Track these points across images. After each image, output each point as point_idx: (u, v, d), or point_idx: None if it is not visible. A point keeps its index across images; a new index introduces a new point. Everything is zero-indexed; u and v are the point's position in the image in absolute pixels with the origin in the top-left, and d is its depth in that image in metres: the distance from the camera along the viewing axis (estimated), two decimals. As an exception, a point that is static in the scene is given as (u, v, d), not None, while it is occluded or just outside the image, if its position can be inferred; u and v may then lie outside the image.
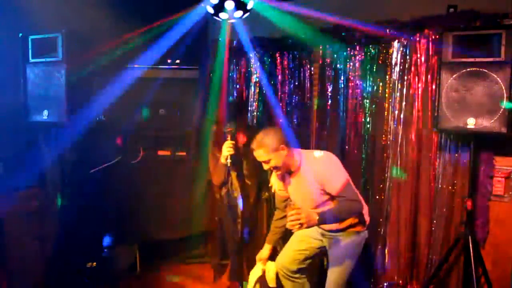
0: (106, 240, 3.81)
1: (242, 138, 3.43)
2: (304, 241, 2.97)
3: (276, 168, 2.70)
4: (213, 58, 4.38)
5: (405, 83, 3.54)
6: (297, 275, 2.99)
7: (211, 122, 3.62)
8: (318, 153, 2.78)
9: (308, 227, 2.49)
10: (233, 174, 3.41)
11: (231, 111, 3.57)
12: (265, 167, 2.71)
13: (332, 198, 2.70)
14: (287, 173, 2.78)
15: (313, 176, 2.64)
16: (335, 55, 3.87)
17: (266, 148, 2.63)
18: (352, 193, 2.68)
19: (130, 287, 3.85)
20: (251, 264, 3.34)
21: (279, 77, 4.24)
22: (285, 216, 2.82)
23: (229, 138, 3.18)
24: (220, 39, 4.23)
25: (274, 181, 3.03)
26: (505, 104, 2.76)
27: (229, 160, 3.15)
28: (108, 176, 3.75)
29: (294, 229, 2.47)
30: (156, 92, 4.04)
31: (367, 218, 2.88)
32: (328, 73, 3.93)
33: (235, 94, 4.45)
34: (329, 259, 2.87)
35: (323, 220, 2.51)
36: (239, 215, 3.39)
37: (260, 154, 2.67)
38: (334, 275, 2.81)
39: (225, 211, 3.57)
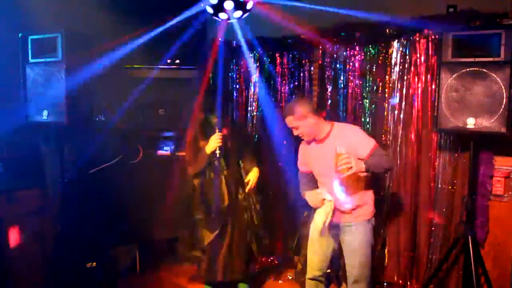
0: (106, 240, 3.80)
1: (224, 131, 3.44)
2: (324, 244, 2.99)
3: (303, 135, 2.87)
4: (213, 58, 4.38)
5: (404, 83, 3.55)
6: (325, 277, 3.05)
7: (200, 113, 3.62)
8: (349, 125, 3.07)
9: (357, 171, 2.61)
10: (212, 167, 3.42)
11: (216, 104, 3.52)
12: (295, 132, 2.87)
13: None
14: (314, 140, 2.91)
15: (344, 142, 2.74)
16: (335, 55, 3.88)
17: (294, 115, 2.80)
18: (384, 151, 2.90)
19: (130, 287, 3.85)
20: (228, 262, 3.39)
21: (279, 77, 4.24)
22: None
23: (217, 130, 3.29)
24: (219, 39, 4.23)
25: (302, 160, 3.06)
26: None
27: (218, 151, 3.30)
28: (107, 176, 3.75)
29: (344, 172, 2.60)
30: (156, 92, 4.04)
31: (373, 207, 2.95)
32: (328, 73, 3.94)
33: (234, 94, 4.45)
34: (346, 248, 2.92)
35: (368, 166, 2.66)
36: (213, 208, 3.42)
37: (289, 121, 2.84)
38: (355, 259, 2.86)
39: (197, 202, 3.50)
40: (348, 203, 2.83)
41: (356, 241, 2.85)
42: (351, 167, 2.57)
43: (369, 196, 2.91)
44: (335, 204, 2.81)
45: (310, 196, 2.91)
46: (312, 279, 3.03)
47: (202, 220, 3.47)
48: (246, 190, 3.48)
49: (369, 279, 2.89)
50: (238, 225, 3.48)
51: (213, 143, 3.30)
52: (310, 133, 2.86)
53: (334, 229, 2.92)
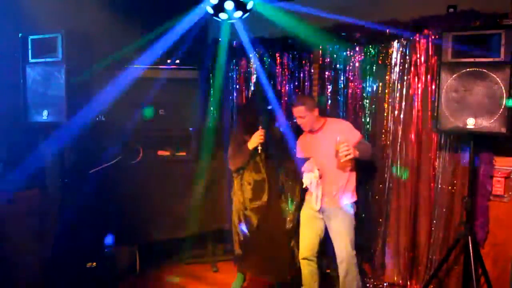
0: (106, 240, 3.80)
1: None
2: (313, 227, 3.35)
3: (306, 124, 3.30)
4: (213, 58, 4.38)
5: (404, 83, 3.55)
6: (315, 259, 3.36)
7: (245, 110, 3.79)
8: (338, 119, 3.56)
9: (353, 157, 3.06)
10: (259, 160, 3.49)
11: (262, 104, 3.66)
12: (299, 121, 3.30)
13: None
14: (311, 130, 3.34)
15: (335, 131, 3.19)
16: (335, 55, 3.88)
17: (305, 106, 3.23)
18: (367, 142, 3.41)
19: (130, 287, 3.85)
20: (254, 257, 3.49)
21: (279, 77, 4.24)
22: None
23: (261, 127, 3.39)
24: (220, 39, 4.23)
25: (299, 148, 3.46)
26: (505, 102, 2.77)
27: (259, 147, 3.39)
28: (108, 176, 3.75)
29: (344, 158, 3.03)
30: (156, 92, 4.04)
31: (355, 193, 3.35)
32: (328, 73, 3.94)
33: (234, 94, 4.45)
34: (334, 231, 3.25)
35: (360, 152, 3.10)
36: (247, 206, 3.51)
37: (300, 110, 3.25)
38: (342, 241, 3.21)
39: (235, 198, 3.62)
40: (337, 185, 3.24)
41: (343, 223, 3.22)
42: (350, 153, 2.99)
43: (353, 182, 3.30)
44: (323, 191, 3.24)
45: (307, 164, 3.33)
46: (304, 259, 3.36)
47: (237, 214, 3.58)
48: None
49: (356, 260, 3.21)
50: (271, 226, 3.52)
51: (256, 139, 3.37)
52: (311, 124, 3.31)
53: (322, 213, 3.29)
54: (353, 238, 3.22)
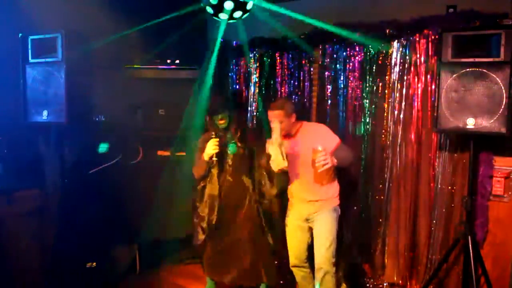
0: (106, 240, 3.80)
1: (235, 133, 3.31)
2: (298, 236, 3.28)
3: (282, 129, 3.14)
4: (213, 58, 4.37)
5: (404, 83, 3.54)
6: (306, 265, 3.31)
7: (204, 113, 3.44)
8: (315, 123, 3.50)
9: (332, 165, 2.94)
10: (214, 172, 3.27)
11: (227, 102, 3.41)
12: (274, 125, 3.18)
13: None
14: (287, 135, 3.23)
15: (312, 136, 3.11)
16: (335, 55, 3.88)
17: (284, 112, 3.13)
18: (346, 147, 3.22)
19: (130, 287, 3.85)
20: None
21: (279, 77, 4.24)
22: None
23: (213, 135, 3.13)
24: (219, 39, 4.23)
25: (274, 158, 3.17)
26: None
27: (214, 158, 3.13)
28: (108, 176, 3.75)
29: (322, 168, 2.90)
30: (156, 92, 4.04)
31: (338, 198, 3.27)
32: (328, 73, 3.94)
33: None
34: (315, 237, 3.19)
35: (338, 160, 2.98)
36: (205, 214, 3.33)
37: (278, 114, 3.13)
38: (321, 246, 3.11)
39: (194, 206, 3.42)
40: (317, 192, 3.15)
41: (325, 227, 3.13)
42: (327, 163, 2.88)
43: (335, 192, 3.22)
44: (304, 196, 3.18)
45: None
46: (294, 266, 3.35)
47: (197, 223, 3.40)
48: None
49: (334, 267, 3.11)
50: (240, 236, 3.31)
51: (209, 149, 3.11)
52: (288, 129, 3.19)
53: (307, 221, 3.23)
54: (334, 243, 3.09)
